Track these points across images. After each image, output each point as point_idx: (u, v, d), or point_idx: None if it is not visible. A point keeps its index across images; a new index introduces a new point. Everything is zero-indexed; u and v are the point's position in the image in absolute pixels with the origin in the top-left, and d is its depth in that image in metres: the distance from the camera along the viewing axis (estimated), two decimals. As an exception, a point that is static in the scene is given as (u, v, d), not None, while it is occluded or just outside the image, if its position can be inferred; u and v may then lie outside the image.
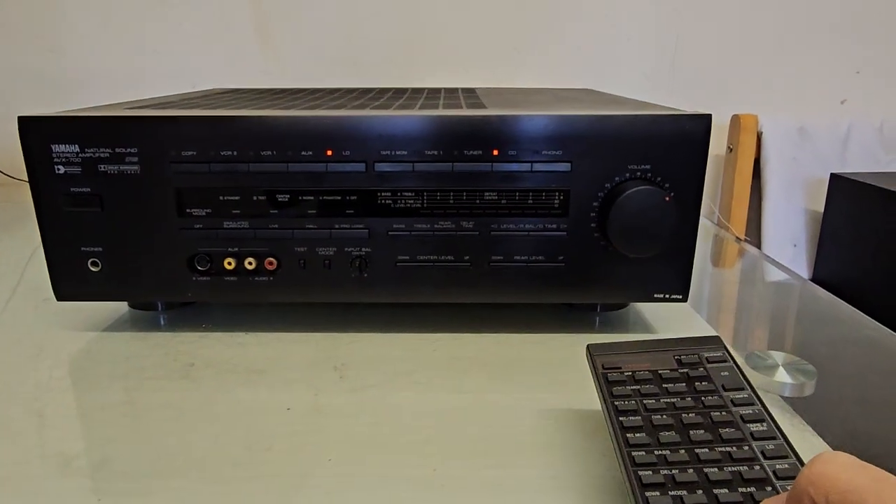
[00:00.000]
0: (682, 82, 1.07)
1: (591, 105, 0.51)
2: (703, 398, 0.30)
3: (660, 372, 0.32)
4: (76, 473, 0.33)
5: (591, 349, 0.34)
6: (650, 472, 0.27)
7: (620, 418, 0.30)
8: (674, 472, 0.26)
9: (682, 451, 0.27)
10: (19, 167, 0.94)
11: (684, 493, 0.25)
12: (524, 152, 0.44)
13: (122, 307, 0.54)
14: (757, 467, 0.27)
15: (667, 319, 0.52)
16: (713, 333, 0.50)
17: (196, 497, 0.31)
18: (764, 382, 0.42)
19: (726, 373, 0.32)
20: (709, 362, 0.32)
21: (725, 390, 0.31)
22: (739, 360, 0.44)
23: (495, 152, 0.44)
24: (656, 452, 0.28)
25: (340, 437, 0.36)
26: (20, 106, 1.07)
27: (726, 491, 0.25)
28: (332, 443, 0.36)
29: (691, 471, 0.26)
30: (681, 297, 0.47)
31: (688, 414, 0.29)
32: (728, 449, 0.27)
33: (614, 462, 0.33)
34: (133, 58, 1.05)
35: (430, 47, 1.06)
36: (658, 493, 0.26)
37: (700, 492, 0.25)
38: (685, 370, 0.32)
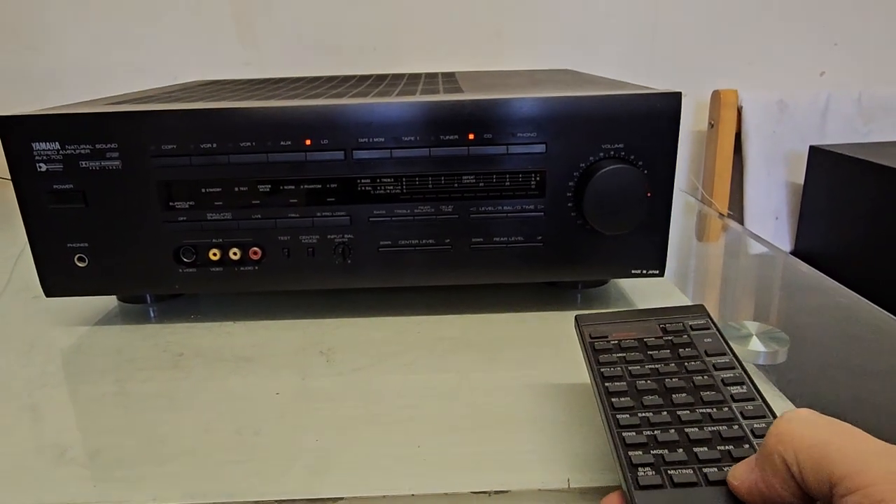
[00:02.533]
0: (662, 59, 1.07)
1: (564, 86, 0.52)
2: (686, 363, 0.31)
3: (645, 340, 0.33)
4: (71, 463, 0.34)
5: (578, 320, 0.36)
6: (633, 433, 0.28)
7: (606, 384, 0.31)
8: (656, 432, 0.28)
9: (665, 413, 0.29)
10: (3, 166, 0.94)
11: (665, 451, 0.27)
12: (499, 135, 0.44)
13: (112, 301, 0.54)
14: (736, 427, 0.28)
15: (647, 294, 0.54)
16: (689, 304, 0.52)
17: (188, 481, 0.32)
18: (738, 352, 0.43)
19: (709, 339, 0.33)
20: (692, 329, 0.34)
21: (708, 356, 0.32)
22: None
23: (471, 136, 0.44)
24: (640, 415, 0.29)
25: (328, 419, 0.37)
26: (2, 105, 1.07)
27: (705, 449, 0.27)
28: (320, 425, 0.37)
29: (673, 431, 0.28)
30: (657, 272, 0.48)
31: (671, 379, 0.31)
32: (708, 410, 0.28)
33: (597, 433, 0.35)
34: (112, 53, 1.04)
35: (413, 33, 1.06)
36: (641, 452, 0.27)
37: (680, 450, 0.27)
38: (669, 337, 0.33)
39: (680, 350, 0.32)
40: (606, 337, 0.34)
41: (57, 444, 0.35)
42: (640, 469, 0.26)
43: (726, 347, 0.32)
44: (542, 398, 0.39)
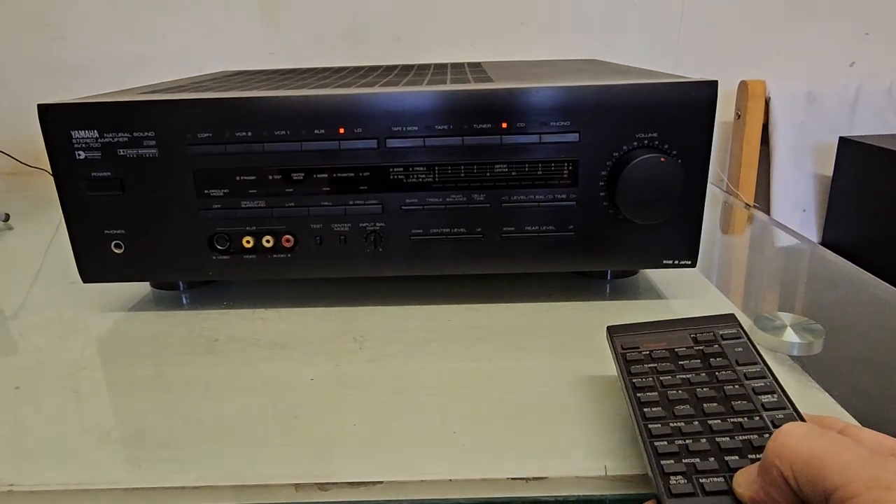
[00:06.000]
0: (688, 49, 1.06)
1: (597, 75, 0.52)
2: (716, 373, 0.32)
3: (676, 350, 0.34)
4: (116, 443, 0.35)
5: (610, 331, 0.36)
6: (665, 443, 0.28)
7: (638, 394, 0.31)
8: (687, 442, 0.28)
9: (696, 423, 0.29)
10: (33, 155, 0.95)
11: (697, 460, 0.27)
12: (533, 124, 0.44)
13: (145, 287, 0.55)
14: (766, 435, 0.28)
15: (676, 285, 0.53)
16: (722, 297, 0.52)
17: (229, 463, 0.33)
18: (773, 343, 0.43)
19: (740, 348, 0.33)
20: (723, 339, 0.34)
21: (738, 364, 0.32)
22: (750, 328, 0.45)
23: (504, 125, 0.44)
24: (671, 425, 0.29)
25: (363, 404, 0.38)
26: (30, 96, 1.08)
27: (737, 458, 0.27)
28: (356, 410, 0.37)
29: (704, 440, 0.28)
30: (689, 262, 0.48)
31: (702, 388, 0.31)
32: (740, 420, 0.29)
33: (626, 419, 0.35)
34: (139, 43, 1.05)
35: (436, 23, 1.05)
36: (672, 461, 0.27)
37: (712, 459, 0.27)
38: (700, 347, 0.34)
39: (711, 359, 0.33)
40: (637, 347, 0.34)
41: (101, 426, 0.36)
42: (671, 478, 0.27)
43: (757, 357, 0.33)
44: (576, 387, 0.39)
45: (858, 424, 0.32)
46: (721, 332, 0.34)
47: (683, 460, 0.27)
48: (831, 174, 1.02)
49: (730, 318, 0.35)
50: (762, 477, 0.24)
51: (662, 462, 0.27)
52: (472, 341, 0.45)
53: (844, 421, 0.27)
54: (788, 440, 0.23)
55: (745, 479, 0.25)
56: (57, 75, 1.06)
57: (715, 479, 0.26)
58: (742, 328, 0.35)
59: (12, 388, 0.41)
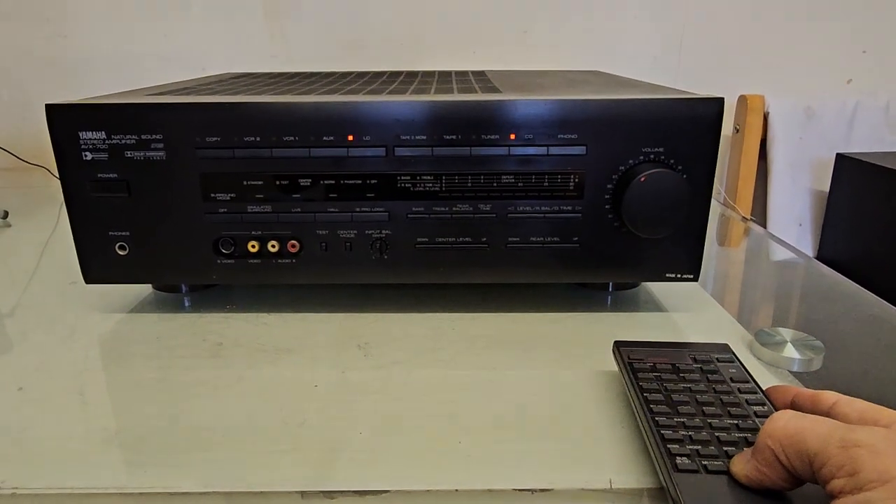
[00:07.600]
0: (689, 62, 1.07)
1: (604, 89, 0.52)
2: (714, 386, 0.36)
3: (677, 365, 0.38)
4: (120, 448, 0.35)
5: (618, 344, 0.40)
6: (671, 432, 0.32)
7: (645, 394, 0.35)
8: (691, 433, 0.32)
9: (698, 420, 0.33)
10: (32, 151, 0.95)
11: (700, 447, 0.31)
12: (540, 136, 0.45)
13: (145, 289, 0.55)
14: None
15: (676, 298, 0.54)
16: (722, 311, 0.52)
17: (236, 469, 0.33)
18: (773, 358, 0.44)
19: (734, 370, 0.38)
20: (719, 361, 0.38)
21: (733, 382, 0.36)
22: (750, 343, 0.46)
23: (512, 136, 0.45)
24: (675, 420, 0.33)
25: (369, 411, 0.38)
26: (30, 92, 1.08)
27: (734, 448, 0.30)
28: (362, 417, 0.37)
29: (705, 433, 0.32)
30: (692, 276, 0.48)
31: (702, 395, 0.35)
32: (735, 421, 0.32)
33: (636, 435, 0.35)
34: (141, 43, 1.05)
35: (438, 30, 1.06)
36: (678, 446, 0.31)
37: (712, 448, 0.31)
38: (699, 365, 0.38)
39: (709, 375, 0.37)
40: (643, 359, 0.38)
41: (105, 429, 0.36)
42: (678, 458, 0.30)
43: (748, 376, 0.37)
44: (581, 398, 0.39)
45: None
46: (717, 356, 0.39)
47: (688, 446, 0.31)
48: (828, 190, 1.03)
49: (725, 347, 0.40)
50: (756, 457, 0.28)
51: (669, 446, 0.31)
52: (477, 350, 0.45)
53: (837, 394, 0.30)
54: (778, 423, 0.27)
55: (741, 461, 0.29)
56: (58, 73, 1.06)
57: (716, 463, 0.29)
58: (736, 355, 0.39)
59: (15, 389, 0.40)
